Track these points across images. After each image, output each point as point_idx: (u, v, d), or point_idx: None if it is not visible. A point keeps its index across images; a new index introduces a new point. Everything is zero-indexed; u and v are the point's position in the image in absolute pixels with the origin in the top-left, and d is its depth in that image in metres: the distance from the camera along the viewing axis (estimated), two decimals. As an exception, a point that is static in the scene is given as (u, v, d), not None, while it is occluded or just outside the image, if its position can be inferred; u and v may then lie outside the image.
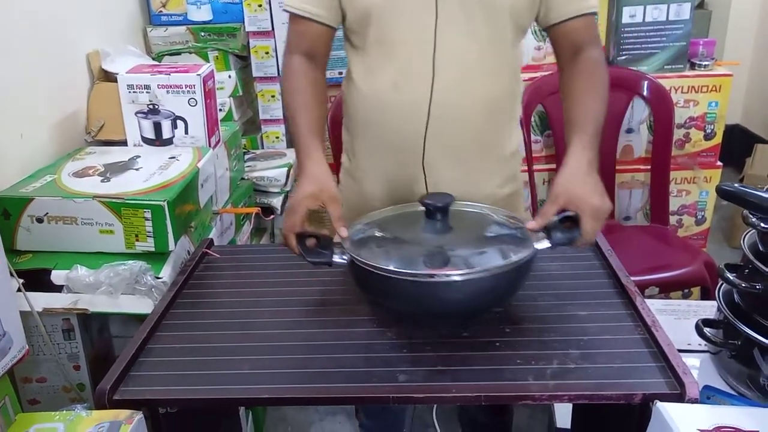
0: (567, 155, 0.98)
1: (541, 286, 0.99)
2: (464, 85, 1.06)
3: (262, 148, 2.09)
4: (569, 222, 0.91)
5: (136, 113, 1.44)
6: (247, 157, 1.89)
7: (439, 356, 0.85)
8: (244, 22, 1.95)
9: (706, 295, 1.67)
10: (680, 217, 2.04)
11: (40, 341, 1.14)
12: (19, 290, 1.07)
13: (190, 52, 1.95)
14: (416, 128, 1.08)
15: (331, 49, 1.14)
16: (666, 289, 1.69)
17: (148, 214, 1.15)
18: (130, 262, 1.13)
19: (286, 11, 1.10)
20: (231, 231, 1.58)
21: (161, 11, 1.98)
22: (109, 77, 1.56)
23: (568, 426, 1.21)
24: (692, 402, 0.75)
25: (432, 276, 0.85)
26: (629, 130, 1.95)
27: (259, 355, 0.87)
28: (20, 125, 1.31)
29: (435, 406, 1.70)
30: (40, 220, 1.17)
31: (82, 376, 1.19)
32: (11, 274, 0.97)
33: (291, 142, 1.02)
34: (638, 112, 1.92)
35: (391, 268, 0.85)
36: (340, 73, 1.75)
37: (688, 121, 1.94)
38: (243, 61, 2.05)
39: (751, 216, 0.90)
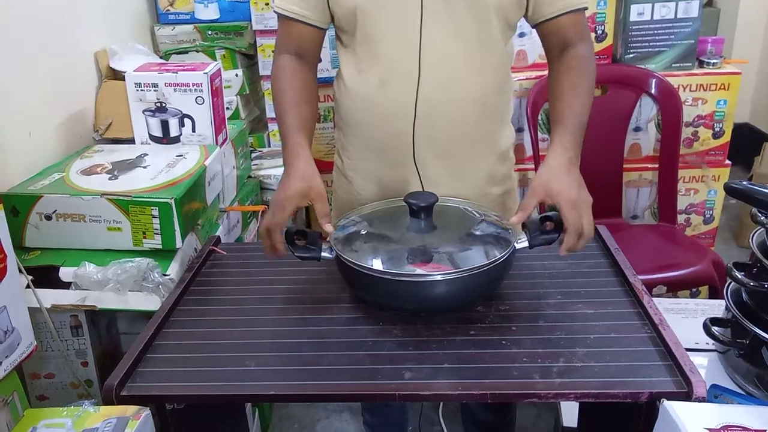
0: (547, 154, 0.98)
1: (548, 285, 0.99)
2: (450, 84, 1.06)
3: (269, 146, 2.10)
4: (549, 222, 0.93)
5: (144, 111, 1.44)
6: (254, 155, 1.90)
7: (445, 354, 0.85)
8: (251, 21, 1.96)
9: (714, 294, 1.67)
10: (688, 216, 2.03)
11: (49, 337, 1.15)
12: (27, 287, 1.08)
13: (198, 51, 1.95)
14: (404, 127, 1.08)
15: (323, 48, 1.15)
16: (674, 288, 1.68)
17: (156, 212, 1.15)
18: (138, 259, 1.14)
19: (276, 12, 1.11)
20: (238, 229, 1.59)
21: (169, 10, 1.99)
22: (117, 75, 1.57)
23: (575, 425, 1.21)
24: (700, 401, 0.75)
25: (410, 275, 0.89)
26: (637, 129, 1.94)
27: (266, 352, 0.88)
28: (28, 123, 1.32)
29: (441, 404, 1.70)
30: (48, 218, 1.17)
31: (89, 373, 1.20)
32: (20, 271, 0.98)
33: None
34: (646, 110, 1.92)
35: (370, 265, 0.90)
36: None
37: (696, 119, 1.93)
38: (250, 59, 2.05)
39: (759, 214, 0.90)
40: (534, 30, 1.12)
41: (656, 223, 1.99)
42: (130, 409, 0.78)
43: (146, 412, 0.78)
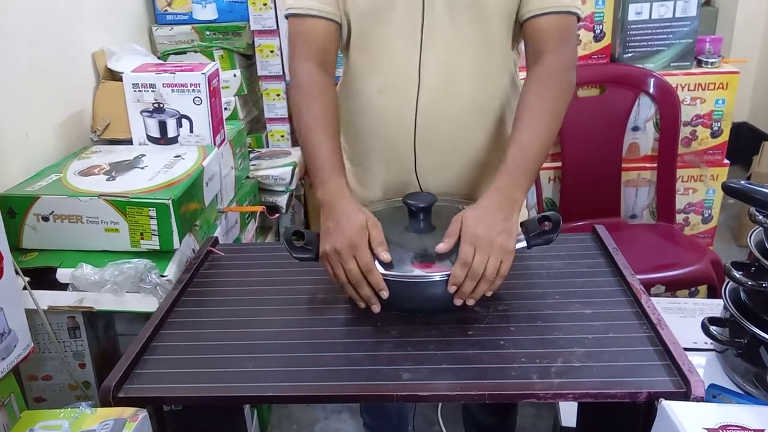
0: (483, 195, 0.94)
1: (546, 284, 0.99)
2: (452, 91, 1.03)
3: (267, 146, 2.10)
4: (547, 222, 0.92)
5: (142, 112, 1.44)
6: (252, 155, 1.89)
7: (444, 355, 0.85)
8: (249, 21, 1.95)
9: (713, 293, 1.67)
10: (687, 216, 2.03)
11: (46, 339, 1.14)
12: (24, 288, 1.08)
13: (196, 51, 1.95)
14: (405, 135, 1.06)
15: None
16: (672, 288, 1.68)
17: (153, 213, 1.15)
18: (135, 260, 1.14)
19: (290, 15, 1.04)
20: (236, 229, 1.58)
21: (166, 10, 1.99)
22: (115, 76, 1.57)
23: (574, 425, 1.21)
24: (698, 400, 0.74)
25: (408, 275, 0.89)
26: (635, 128, 1.94)
27: (264, 353, 0.87)
28: (26, 124, 1.32)
29: (440, 405, 1.70)
30: (45, 219, 1.17)
31: (87, 374, 1.20)
32: (17, 272, 0.97)
33: (304, 160, 0.97)
34: (644, 109, 1.92)
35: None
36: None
37: (694, 118, 1.93)
38: (248, 59, 2.05)
39: (757, 213, 0.90)
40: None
41: (655, 222, 1.99)
42: (128, 411, 0.78)
43: (144, 413, 0.78)
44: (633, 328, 0.88)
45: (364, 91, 1.07)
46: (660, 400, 0.75)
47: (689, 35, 1.89)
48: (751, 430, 0.71)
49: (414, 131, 1.05)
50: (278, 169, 1.84)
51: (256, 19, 1.94)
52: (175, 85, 1.42)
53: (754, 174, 2.48)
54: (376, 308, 0.91)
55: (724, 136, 1.95)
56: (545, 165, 1.95)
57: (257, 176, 1.80)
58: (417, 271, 0.90)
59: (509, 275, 0.96)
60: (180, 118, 1.44)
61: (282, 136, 2.10)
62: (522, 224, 0.94)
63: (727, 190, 0.91)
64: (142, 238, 1.17)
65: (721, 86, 1.90)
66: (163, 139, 1.46)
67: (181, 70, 1.43)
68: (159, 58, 1.92)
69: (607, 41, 1.92)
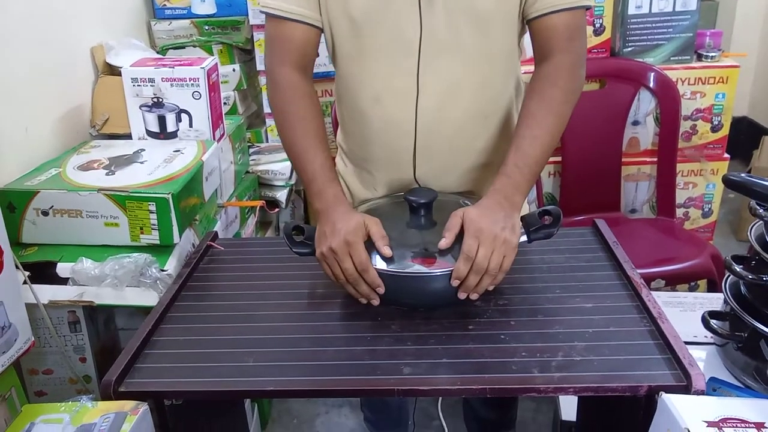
0: (484, 196, 0.94)
1: (547, 279, 0.99)
2: (452, 98, 1.01)
3: (267, 141, 2.09)
4: (547, 216, 0.92)
5: (141, 107, 1.44)
6: (251, 150, 1.89)
7: (444, 349, 0.85)
8: (248, 16, 1.95)
9: (713, 287, 1.67)
10: (687, 210, 2.03)
11: (47, 333, 1.14)
12: (25, 283, 1.08)
13: (194, 46, 1.95)
14: (404, 142, 1.04)
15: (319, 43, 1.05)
16: (672, 282, 1.68)
17: (153, 207, 1.15)
18: (135, 254, 1.14)
19: (265, 13, 1.00)
20: (236, 224, 1.58)
21: (165, 5, 1.98)
22: (114, 71, 1.56)
23: (574, 419, 1.21)
24: (698, 394, 0.74)
25: (409, 271, 0.89)
26: (635, 122, 1.94)
27: (264, 347, 0.87)
28: (25, 119, 1.31)
29: (440, 399, 1.70)
30: (45, 213, 1.17)
31: (88, 368, 1.20)
32: (17, 267, 0.97)
33: (293, 165, 0.96)
34: (644, 104, 1.91)
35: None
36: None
37: (694, 113, 1.93)
38: (247, 54, 2.04)
39: (758, 207, 0.90)
40: (524, 38, 1.07)
41: (655, 217, 1.99)
42: (128, 405, 0.78)
43: (144, 407, 0.78)
44: (633, 321, 0.88)
45: (360, 101, 1.04)
46: (660, 393, 0.75)
47: (689, 29, 1.89)
48: (751, 423, 0.71)
49: (414, 139, 1.03)
50: (278, 163, 1.83)
51: (255, 13, 1.93)
52: (174, 80, 1.41)
53: (754, 168, 2.48)
54: (375, 302, 0.92)
55: (725, 131, 1.95)
56: (545, 159, 1.95)
57: (257, 171, 1.79)
58: (417, 267, 0.90)
59: (510, 269, 0.96)
60: (179, 112, 1.44)
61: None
62: (522, 218, 0.94)
63: (728, 183, 0.92)
64: (142, 233, 1.17)
65: (721, 80, 1.90)
66: (163, 133, 1.45)
67: (180, 65, 1.43)
68: (157, 52, 1.91)
69: (606, 35, 1.91)
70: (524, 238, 0.92)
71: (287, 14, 0.99)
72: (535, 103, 0.98)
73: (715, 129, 1.95)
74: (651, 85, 1.87)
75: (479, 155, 1.09)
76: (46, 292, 1.12)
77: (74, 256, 1.14)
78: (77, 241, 1.18)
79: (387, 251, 0.89)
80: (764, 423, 0.71)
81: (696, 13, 1.87)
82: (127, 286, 1.12)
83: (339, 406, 1.79)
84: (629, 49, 1.91)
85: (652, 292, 0.93)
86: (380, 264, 0.90)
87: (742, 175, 0.91)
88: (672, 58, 1.91)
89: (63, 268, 1.14)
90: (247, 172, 1.75)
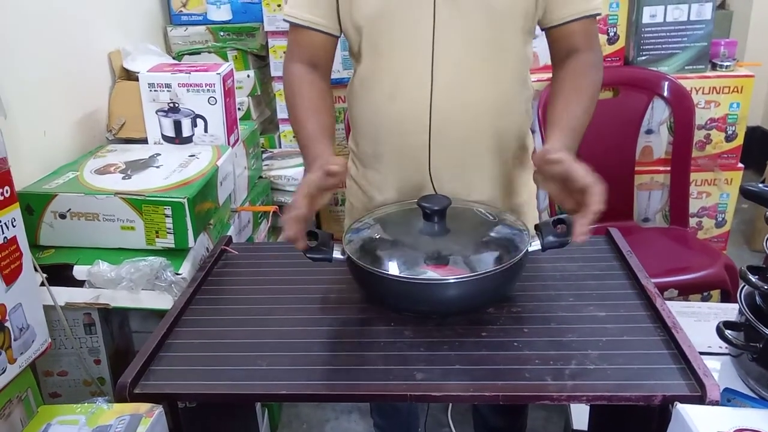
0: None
1: (561, 287, 0.99)
2: (465, 93, 1.03)
3: (280, 147, 2.11)
4: (561, 225, 0.92)
5: (157, 111, 1.45)
6: (265, 155, 1.90)
7: (457, 355, 0.85)
8: (263, 22, 1.96)
9: (726, 298, 1.66)
10: (700, 220, 2.02)
11: (62, 335, 1.16)
12: (42, 285, 1.09)
13: (210, 52, 1.97)
14: (418, 139, 1.06)
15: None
16: (685, 292, 1.67)
17: (169, 211, 1.16)
18: (151, 258, 1.15)
19: (286, 21, 1.08)
20: (249, 229, 1.59)
21: (181, 11, 2.00)
22: (130, 76, 1.58)
23: (585, 428, 1.21)
24: (713, 404, 0.74)
25: (423, 278, 0.88)
26: (649, 131, 1.93)
27: (277, 351, 0.88)
28: (43, 123, 1.33)
29: (450, 406, 1.70)
30: (62, 216, 1.18)
31: (102, 370, 1.21)
32: (35, 269, 0.99)
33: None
34: (658, 112, 1.91)
35: (383, 269, 0.89)
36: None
37: (708, 122, 1.92)
38: (262, 60, 2.06)
39: (774, 217, 0.89)
40: (534, 35, 1.10)
41: (668, 226, 1.98)
42: (143, 407, 0.78)
43: (159, 409, 0.78)
44: (647, 331, 0.88)
45: (376, 95, 1.07)
46: (674, 403, 0.74)
47: (704, 38, 1.88)
48: (766, 434, 0.71)
49: (429, 132, 1.05)
50: (291, 169, 1.85)
51: (270, 20, 1.95)
52: (191, 85, 1.43)
53: (768, 179, 2.47)
54: (299, 243, 0.89)
55: (739, 140, 1.94)
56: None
57: (270, 176, 1.81)
58: (431, 273, 0.90)
59: (522, 278, 0.96)
60: (195, 117, 1.45)
61: (295, 137, 2.10)
62: (536, 227, 0.94)
63: (746, 193, 0.91)
64: (158, 236, 1.18)
65: (735, 90, 1.89)
66: (178, 138, 1.47)
67: (197, 70, 1.44)
68: (173, 58, 1.93)
69: (621, 44, 1.91)
70: (538, 246, 0.92)
71: (304, 23, 1.07)
72: (578, 80, 1.03)
73: (729, 138, 1.94)
74: (665, 94, 1.87)
75: (491, 152, 1.10)
76: (63, 295, 1.13)
77: (90, 259, 1.15)
78: (94, 244, 1.19)
79: (333, 168, 0.86)
80: (780, 435, 0.71)
81: (710, 22, 1.87)
82: (143, 289, 1.13)
83: (348, 411, 1.79)
84: (643, 57, 1.91)
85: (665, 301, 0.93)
86: (393, 270, 0.90)
87: (759, 185, 0.90)
88: (686, 68, 1.91)
89: (79, 271, 1.15)
90: (260, 177, 1.76)
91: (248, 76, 1.96)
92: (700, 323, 1.17)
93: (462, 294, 0.89)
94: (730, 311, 1.17)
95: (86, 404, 0.81)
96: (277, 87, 2.05)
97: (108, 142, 1.51)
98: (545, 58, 1.92)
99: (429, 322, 0.92)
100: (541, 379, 0.80)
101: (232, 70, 1.51)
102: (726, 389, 0.92)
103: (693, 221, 2.00)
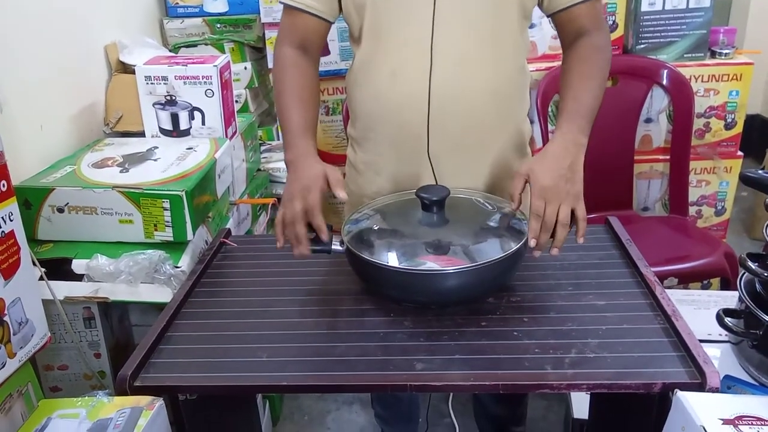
0: (549, 142, 0.98)
1: (560, 276, 0.99)
2: (464, 74, 1.04)
3: (278, 139, 2.10)
4: None
5: (154, 104, 1.45)
6: (263, 148, 1.90)
7: (457, 345, 0.85)
8: (259, 14, 1.95)
9: (726, 286, 1.66)
10: (699, 208, 2.02)
11: (62, 329, 1.16)
12: (41, 279, 1.09)
13: (206, 44, 1.95)
14: (418, 120, 1.07)
15: (332, 41, 1.13)
16: (685, 280, 1.67)
17: (167, 204, 1.16)
18: (149, 251, 1.14)
19: (282, 2, 1.09)
20: (248, 221, 1.59)
21: (177, 3, 1.99)
22: (127, 69, 1.57)
23: (586, 417, 1.21)
24: (713, 391, 0.74)
25: (422, 269, 0.89)
26: (648, 120, 1.92)
27: (277, 343, 0.88)
28: (40, 117, 1.32)
29: (451, 396, 1.70)
30: (60, 210, 1.18)
31: (102, 364, 1.21)
32: (33, 263, 0.98)
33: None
34: (657, 101, 1.90)
35: (382, 260, 0.90)
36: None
37: (708, 110, 1.92)
38: (259, 52, 2.05)
39: (774, 204, 0.89)
40: (543, 21, 1.11)
41: (667, 215, 1.98)
42: (144, 400, 0.79)
43: (160, 402, 0.79)
44: (647, 319, 0.88)
45: (376, 77, 1.08)
46: (675, 390, 0.74)
47: (703, 26, 1.87)
48: (766, 420, 0.71)
49: (427, 113, 1.06)
50: (289, 161, 1.84)
51: (266, 11, 1.93)
52: (187, 78, 1.42)
53: (767, 166, 2.46)
54: (303, 249, 0.94)
55: (738, 128, 1.94)
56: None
57: (268, 168, 1.80)
58: (430, 264, 0.90)
59: (522, 267, 0.96)
60: (192, 110, 1.44)
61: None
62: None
63: (746, 179, 0.91)
64: (156, 230, 1.18)
65: (735, 77, 1.88)
66: (176, 131, 1.46)
67: (194, 63, 1.44)
68: (170, 50, 1.92)
69: (619, 32, 1.90)
70: None
71: (300, 5, 1.07)
72: (586, 66, 1.05)
73: (728, 126, 1.93)
74: (664, 82, 1.86)
75: (490, 133, 1.11)
76: (62, 289, 1.13)
77: (89, 253, 1.15)
78: (92, 237, 1.19)
79: (342, 195, 0.95)
80: (780, 421, 0.71)
81: (710, 9, 1.86)
82: (142, 283, 1.13)
83: (350, 403, 1.80)
84: (642, 46, 1.90)
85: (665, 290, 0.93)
86: (393, 261, 0.90)
87: (759, 172, 0.90)
88: (685, 56, 1.90)
89: (78, 265, 1.15)
90: (259, 169, 1.76)
91: (245, 68, 1.95)
92: (699, 311, 1.18)
93: (461, 284, 0.89)
94: (730, 299, 1.17)
95: (87, 398, 0.81)
96: (275, 79, 2.04)
97: (105, 136, 1.50)
98: (543, 47, 1.92)
99: (429, 313, 0.92)
100: (541, 368, 0.80)
101: (229, 62, 1.50)
102: (726, 376, 0.92)
103: (692, 210, 2.00)
